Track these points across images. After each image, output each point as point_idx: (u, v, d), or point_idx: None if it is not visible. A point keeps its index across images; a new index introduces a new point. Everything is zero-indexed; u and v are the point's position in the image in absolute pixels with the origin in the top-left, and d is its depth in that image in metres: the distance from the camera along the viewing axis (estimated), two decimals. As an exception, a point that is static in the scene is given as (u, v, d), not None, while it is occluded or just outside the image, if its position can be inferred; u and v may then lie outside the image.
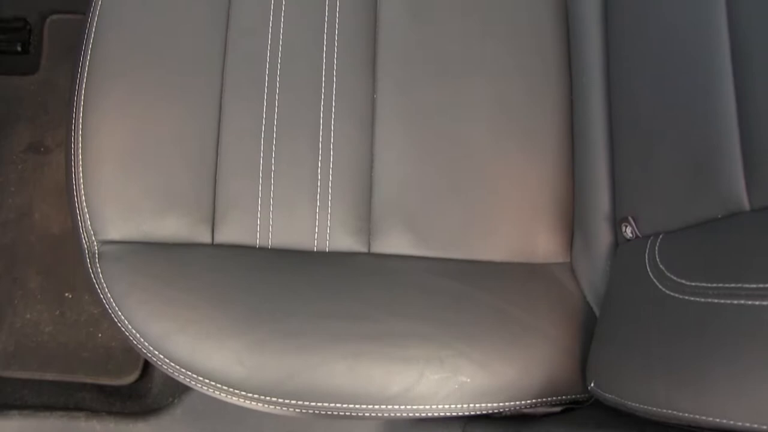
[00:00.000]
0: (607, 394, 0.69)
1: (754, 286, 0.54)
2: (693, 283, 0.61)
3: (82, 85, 0.78)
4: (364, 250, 0.79)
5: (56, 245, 1.17)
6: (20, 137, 1.22)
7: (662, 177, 0.70)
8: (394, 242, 0.79)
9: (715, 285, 0.58)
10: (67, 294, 1.16)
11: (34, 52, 1.26)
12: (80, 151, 0.76)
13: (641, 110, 0.73)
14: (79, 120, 0.77)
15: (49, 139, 1.22)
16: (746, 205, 0.61)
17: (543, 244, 0.81)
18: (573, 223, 0.83)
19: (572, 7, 0.85)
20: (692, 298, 0.60)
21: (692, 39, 0.68)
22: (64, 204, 1.09)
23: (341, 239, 0.78)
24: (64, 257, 1.17)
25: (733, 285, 0.56)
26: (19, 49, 1.24)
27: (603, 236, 0.78)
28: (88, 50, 0.79)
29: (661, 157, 0.70)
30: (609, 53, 0.81)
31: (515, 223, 0.81)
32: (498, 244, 0.80)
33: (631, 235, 0.74)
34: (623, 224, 0.75)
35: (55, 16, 1.26)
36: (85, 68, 0.79)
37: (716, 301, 0.57)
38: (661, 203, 0.71)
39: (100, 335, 1.15)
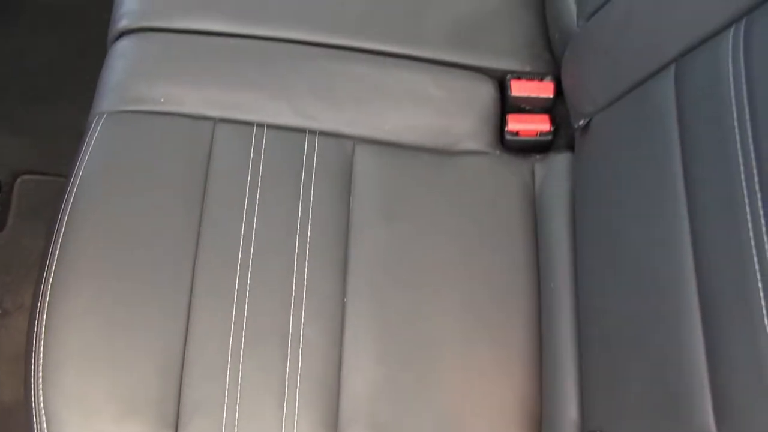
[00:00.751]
0: None
1: None
2: None
3: (48, 278, 0.77)
4: (330, 458, 0.77)
5: (6, 415, 1.12)
6: (-21, 298, 1.19)
7: (631, 398, 0.70)
8: None
9: None
10: (12, 469, 1.10)
11: (1, 210, 1.25)
12: (42, 348, 0.75)
13: (610, 329, 0.74)
14: (42, 316, 0.76)
15: (9, 301, 1.19)
16: None
17: (511, 450, 0.80)
18: (541, 428, 0.82)
19: (541, 215, 0.88)
20: None
21: (659, 263, 0.69)
22: (19, 370, 1.05)
23: (308, 448, 0.76)
24: (12, 429, 1.12)
25: None
26: (-14, 206, 1.24)
27: (571, 446, 0.78)
28: (57, 246, 0.78)
29: (629, 379, 0.70)
30: (577, 262, 0.82)
31: (483, 429, 0.80)
32: (466, 451, 0.79)
33: (600, 450, 0.74)
34: (592, 438, 0.75)
35: (26, 176, 1.26)
36: (53, 262, 0.78)
37: None
38: (630, 424, 0.70)
39: None
